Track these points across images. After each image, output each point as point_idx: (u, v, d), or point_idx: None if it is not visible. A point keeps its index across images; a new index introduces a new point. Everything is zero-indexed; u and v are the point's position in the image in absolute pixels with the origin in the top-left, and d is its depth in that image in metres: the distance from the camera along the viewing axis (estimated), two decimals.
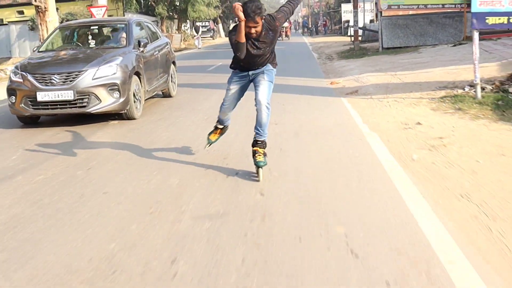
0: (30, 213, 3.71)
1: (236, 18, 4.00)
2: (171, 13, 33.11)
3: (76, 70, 6.90)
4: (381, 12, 16.95)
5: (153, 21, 33.89)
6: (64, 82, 6.86)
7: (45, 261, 2.86)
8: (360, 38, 23.56)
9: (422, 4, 15.95)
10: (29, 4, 34.48)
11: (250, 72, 4.27)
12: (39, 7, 15.24)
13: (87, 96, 6.85)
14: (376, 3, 18.42)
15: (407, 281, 2.46)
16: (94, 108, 6.89)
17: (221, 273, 2.57)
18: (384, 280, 2.49)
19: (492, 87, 7.87)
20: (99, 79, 6.91)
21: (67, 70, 6.93)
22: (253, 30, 3.97)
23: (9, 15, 32.92)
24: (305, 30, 54.19)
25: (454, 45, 14.08)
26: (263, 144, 4.28)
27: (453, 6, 15.62)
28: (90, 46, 8.10)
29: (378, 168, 4.36)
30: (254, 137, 4.27)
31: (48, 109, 6.94)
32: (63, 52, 7.83)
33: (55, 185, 4.38)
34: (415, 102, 7.54)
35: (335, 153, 4.89)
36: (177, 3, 32.52)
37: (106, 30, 8.80)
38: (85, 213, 3.64)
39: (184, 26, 38.57)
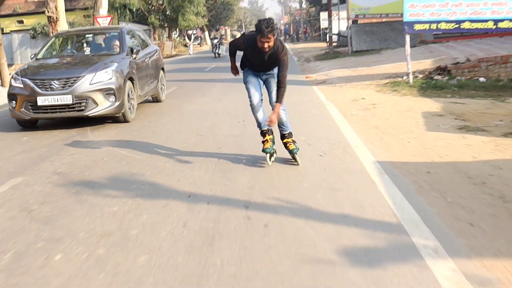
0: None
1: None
2: (162, 22, 35.80)
3: (75, 76, 7.29)
4: (353, 21, 20.05)
5: (145, 30, 36.59)
6: (63, 87, 7.21)
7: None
8: (335, 43, 26.73)
9: (384, 13, 19.06)
10: (29, 13, 36.63)
11: (262, 75, 4.71)
12: (51, 18, 17.02)
13: (85, 100, 7.24)
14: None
15: (333, 152, 5.30)
16: (92, 111, 7.27)
17: None
18: (321, 151, 5.33)
19: (422, 76, 10.85)
20: (96, 84, 7.31)
21: (66, 75, 7.31)
22: (266, 45, 4.34)
23: (9, 24, 35.20)
24: (287, 37, 57.32)
25: (412, 47, 17.08)
26: (290, 135, 4.83)
27: None
28: (86, 53, 8.57)
29: (329, 118, 7.22)
30: (281, 132, 4.81)
31: (47, 112, 7.28)
32: (60, 59, 8.29)
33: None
34: (365, 87, 10.46)
35: (304, 113, 7.74)
36: (168, 13, 35.20)
37: (100, 38, 9.20)
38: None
39: (174, 34, 41.34)
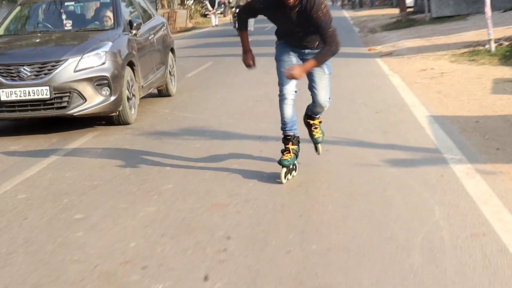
0: None
1: None
2: None
3: (53, 60, 7.47)
4: None
5: None
6: (36, 75, 7.40)
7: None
8: (410, 9, 29.33)
9: None
10: None
11: (304, 52, 4.98)
12: None
13: (68, 94, 7.42)
14: None
15: (390, 110, 8.00)
16: (77, 109, 7.46)
17: None
18: (378, 109, 8.05)
19: (509, 43, 13.37)
20: (83, 71, 7.51)
21: (41, 59, 7.49)
22: None
23: None
24: (345, 1, 59.99)
25: (505, 11, 19.64)
26: (318, 118, 5.50)
27: None
28: (66, 27, 8.85)
29: (390, 86, 9.91)
30: (307, 114, 5.43)
31: (15, 111, 7.49)
32: (31, 36, 8.57)
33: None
34: (438, 57, 13.09)
35: (363, 82, 10.44)
36: None
37: (85, 7, 9.59)
38: None
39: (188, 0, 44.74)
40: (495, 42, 13.35)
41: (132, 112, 8.20)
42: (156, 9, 37.97)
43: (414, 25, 22.12)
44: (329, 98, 5.19)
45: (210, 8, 37.62)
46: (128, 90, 8.08)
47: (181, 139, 7.10)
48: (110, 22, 8.84)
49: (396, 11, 34.61)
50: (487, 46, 13.31)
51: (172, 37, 10.91)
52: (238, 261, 3.59)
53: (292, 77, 4.74)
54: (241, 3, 22.17)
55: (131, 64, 8.26)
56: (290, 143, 5.14)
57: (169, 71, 10.24)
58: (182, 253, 3.77)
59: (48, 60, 7.51)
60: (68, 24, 8.95)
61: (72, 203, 4.97)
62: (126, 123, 8.03)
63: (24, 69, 7.43)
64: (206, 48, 19.51)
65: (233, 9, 23.90)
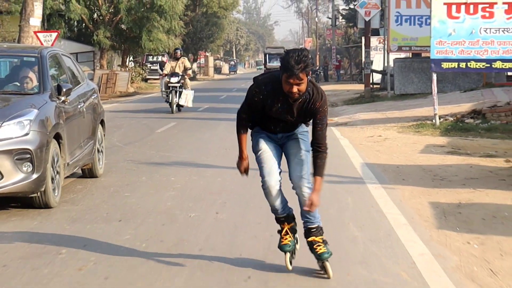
0: None
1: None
2: (115, 42, 44.27)
3: None
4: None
5: (87, 52, 45.15)
6: None
7: None
8: (378, 86, 34.97)
9: None
10: None
11: (281, 137, 5.99)
12: None
13: None
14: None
15: (333, 159, 12.85)
16: None
17: None
18: None
19: (453, 119, 18.60)
20: (1, 142, 8.07)
21: None
22: (295, 89, 5.52)
23: None
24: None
25: (465, 91, 25.18)
26: (319, 231, 5.97)
27: None
28: None
29: (338, 146, 14.83)
30: (304, 226, 5.97)
31: None
32: None
33: None
34: (388, 128, 18.17)
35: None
36: (125, 28, 43.65)
37: (4, 66, 10.35)
38: None
39: (129, 60, 49.96)
40: (441, 118, 18.53)
41: (56, 193, 8.80)
42: (94, 69, 43.13)
43: (376, 100, 27.48)
44: (309, 178, 5.85)
45: (160, 72, 42.66)
46: (53, 168, 8.66)
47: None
48: (31, 85, 9.55)
49: (362, 86, 40.36)
50: (433, 121, 18.45)
51: (103, 108, 11.88)
52: None
53: (314, 208, 5.71)
54: (177, 72, 24.39)
55: (57, 137, 8.87)
56: (285, 223, 6.03)
57: (98, 148, 11.09)
58: None
59: None
60: None
61: None
62: (47, 206, 8.58)
63: None
64: (164, 113, 24.31)
65: (166, 78, 24.83)
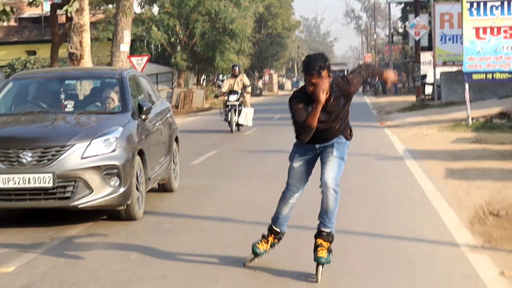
0: None
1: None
2: (190, 63, 49.55)
3: (58, 145, 8.65)
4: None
5: (167, 72, 50.48)
6: (38, 161, 8.55)
7: None
8: (429, 96, 39.43)
9: None
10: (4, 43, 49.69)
11: (317, 146, 6.58)
12: (74, 54, 25.02)
13: (73, 183, 8.53)
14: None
15: (384, 147, 17.51)
16: (82, 200, 8.58)
17: None
18: (379, 146, 17.61)
19: (484, 119, 23.08)
20: (91, 158, 8.65)
21: (44, 144, 8.68)
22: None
23: None
24: (368, 87, 70.65)
25: (501, 98, 29.53)
26: (329, 237, 6.49)
27: None
28: (67, 109, 10.07)
29: (388, 140, 19.53)
30: (318, 227, 6.52)
31: (11, 200, 8.66)
32: (30, 118, 9.77)
33: None
34: (430, 128, 22.79)
35: (370, 143, 19.98)
36: (200, 51, 48.87)
37: (85, 86, 10.83)
38: None
39: (203, 79, 55.16)
40: (473, 119, 23.02)
41: (140, 206, 9.36)
42: (173, 88, 48.38)
43: (425, 108, 32.00)
44: (337, 182, 6.41)
45: (223, 90, 47.61)
46: (137, 182, 9.21)
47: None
48: (113, 105, 10.12)
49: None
50: (467, 121, 22.93)
51: (176, 125, 12.46)
52: None
53: (326, 89, 6.18)
54: (235, 90, 23.56)
55: (140, 153, 9.44)
56: (273, 235, 6.86)
57: (173, 164, 11.61)
58: None
59: (52, 144, 8.67)
60: (69, 105, 10.24)
61: None
62: (133, 218, 9.16)
63: (25, 154, 8.55)
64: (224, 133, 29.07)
65: (225, 96, 24.02)
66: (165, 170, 10.97)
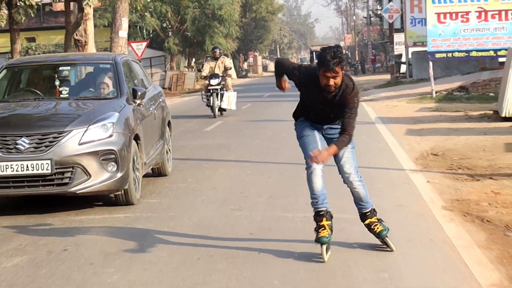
0: None
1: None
2: (182, 47, 53.24)
3: (55, 131, 8.77)
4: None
5: (160, 56, 54.09)
6: (36, 148, 8.66)
7: None
8: (403, 74, 43.34)
9: None
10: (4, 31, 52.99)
11: (326, 128, 6.76)
12: (80, 41, 28.05)
13: (71, 169, 8.67)
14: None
15: (359, 115, 21.48)
16: (81, 186, 8.72)
17: None
18: None
19: (446, 92, 27.01)
20: (88, 144, 8.79)
21: (41, 130, 8.81)
22: (331, 82, 6.23)
23: None
24: (348, 67, 74.49)
25: (463, 74, 33.46)
26: (373, 213, 6.79)
27: None
28: (62, 95, 10.29)
29: (364, 110, 23.42)
30: (359, 212, 6.84)
31: (9, 187, 8.75)
32: (26, 104, 10.02)
33: None
34: (400, 100, 26.75)
35: None
36: (191, 35, 52.57)
37: (79, 72, 11.10)
38: None
39: (194, 62, 58.78)
40: (437, 92, 26.91)
41: (137, 191, 9.48)
42: (165, 71, 52.05)
43: (398, 84, 35.89)
44: (357, 172, 6.70)
45: (203, 73, 51.20)
46: (134, 167, 9.31)
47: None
48: (107, 90, 10.27)
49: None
50: (431, 94, 26.81)
51: (169, 109, 12.67)
52: None
53: (317, 162, 6.32)
54: (217, 74, 22.92)
55: (136, 138, 9.53)
56: (324, 218, 6.60)
57: (166, 148, 11.80)
58: None
59: (49, 131, 8.74)
60: (64, 91, 10.32)
61: None
62: (130, 203, 9.26)
63: (22, 140, 8.59)
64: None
65: (206, 80, 23.61)
66: (159, 155, 11.18)
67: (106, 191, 9.07)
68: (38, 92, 10.50)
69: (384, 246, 6.74)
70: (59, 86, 10.43)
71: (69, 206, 9.34)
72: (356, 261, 6.56)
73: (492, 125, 16.99)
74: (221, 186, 10.81)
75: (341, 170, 6.67)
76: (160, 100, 11.99)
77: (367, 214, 6.73)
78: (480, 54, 26.31)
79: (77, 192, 8.75)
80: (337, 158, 6.62)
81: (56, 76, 10.64)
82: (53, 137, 8.69)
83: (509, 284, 5.77)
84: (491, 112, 18.96)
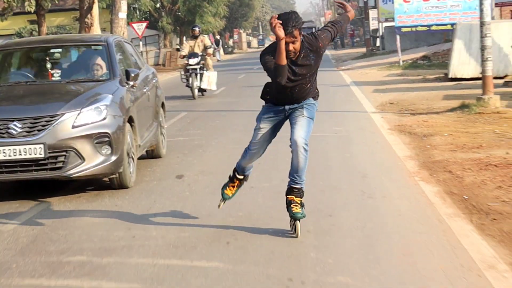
0: None
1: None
2: (174, 26, 57.73)
3: (47, 115, 8.65)
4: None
5: (154, 35, 58.50)
6: (29, 132, 8.57)
7: None
8: (378, 47, 48.14)
9: None
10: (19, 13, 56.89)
11: (287, 107, 6.83)
12: (86, 23, 31.09)
13: (64, 153, 8.58)
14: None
15: (337, 80, 26.16)
16: (75, 170, 8.64)
17: None
18: (332, 83, 26.29)
19: (411, 61, 31.85)
20: (82, 127, 8.68)
21: (34, 114, 8.69)
22: (290, 47, 6.41)
23: None
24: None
25: (429, 46, 38.31)
26: (300, 193, 6.74)
27: None
28: (54, 78, 10.19)
29: (341, 77, 28.21)
30: (289, 184, 6.79)
31: (2, 173, 8.67)
32: (17, 88, 9.97)
33: None
34: (372, 69, 31.61)
35: (330, 76, 28.63)
36: (182, 15, 57.02)
37: (72, 54, 11.11)
38: None
39: (185, 40, 63.20)
40: (404, 61, 31.69)
41: (132, 174, 9.43)
42: (159, 49, 56.53)
43: (373, 56, 40.70)
44: (306, 143, 6.60)
45: (216, 47, 55.75)
46: (128, 150, 9.30)
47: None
48: (101, 72, 10.16)
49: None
50: (398, 63, 31.57)
51: (162, 91, 12.49)
52: None
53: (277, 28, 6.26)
54: (196, 52, 21.90)
55: (130, 120, 9.51)
56: (239, 181, 7.18)
57: (161, 130, 11.65)
58: None
59: (42, 114, 8.68)
60: (56, 74, 10.22)
61: None
62: (124, 186, 9.25)
63: (14, 125, 8.59)
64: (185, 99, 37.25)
65: (185, 59, 22.36)
66: (153, 137, 11.07)
67: (100, 174, 8.99)
68: (29, 75, 10.51)
69: (292, 232, 6.80)
70: (51, 69, 10.34)
71: (64, 191, 9.26)
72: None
73: (441, 84, 21.78)
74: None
75: (291, 134, 6.68)
76: (154, 81, 11.92)
77: (295, 190, 6.75)
78: (439, 28, 31.11)
79: (71, 176, 8.69)
80: (292, 121, 6.76)
81: (47, 58, 10.59)
82: (46, 121, 8.62)
83: (413, 152, 10.66)
84: (443, 75, 23.71)
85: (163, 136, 11.82)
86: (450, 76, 21.99)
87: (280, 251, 6.40)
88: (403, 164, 9.98)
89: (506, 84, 19.39)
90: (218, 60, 54.83)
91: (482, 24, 14.99)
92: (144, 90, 10.82)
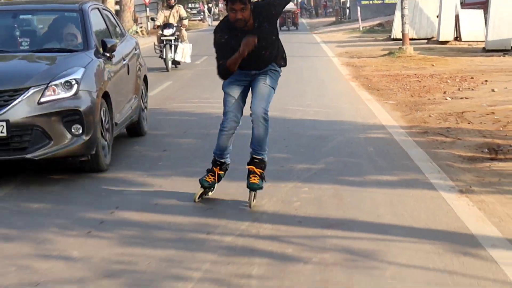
0: None
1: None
2: None
3: (10, 89, 7.78)
4: None
5: (141, 4, 66.22)
6: None
7: None
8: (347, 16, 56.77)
9: None
10: None
11: (253, 72, 6.76)
12: None
13: (29, 132, 7.73)
14: None
15: (310, 40, 34.68)
16: (41, 151, 7.76)
17: None
18: (306, 42, 34.86)
19: (369, 27, 40.54)
20: (49, 103, 7.82)
21: None
22: (239, 15, 6.25)
23: None
24: (304, 11, 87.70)
25: (386, 16, 46.97)
26: (261, 164, 6.69)
27: None
28: (22, 47, 9.26)
29: (314, 39, 36.80)
30: (250, 155, 6.73)
31: None
32: None
33: None
34: (338, 33, 40.31)
35: (305, 38, 37.13)
36: None
37: (43, 21, 10.03)
38: None
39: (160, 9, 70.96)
40: (364, 27, 40.24)
41: (106, 155, 8.55)
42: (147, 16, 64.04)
43: (340, 23, 49.38)
44: (266, 112, 6.59)
45: (208, 13, 63.62)
46: (103, 129, 8.41)
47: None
48: (75, 42, 9.26)
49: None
50: (359, 29, 40.07)
51: (145, 63, 11.64)
52: None
53: (251, 46, 6.29)
54: (171, 23, 20.71)
55: (105, 96, 8.61)
56: (218, 167, 6.87)
57: (142, 106, 10.79)
58: None
59: (4, 88, 7.81)
60: (24, 43, 9.34)
61: None
62: (98, 169, 8.38)
63: None
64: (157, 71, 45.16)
65: (159, 30, 21.22)
66: (133, 113, 10.24)
67: (70, 156, 8.20)
68: None
69: (246, 203, 6.76)
70: (20, 37, 9.50)
71: (26, 174, 8.48)
72: None
73: (385, 43, 30.22)
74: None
75: (252, 104, 6.68)
76: (135, 52, 11.01)
77: (256, 161, 6.70)
78: (392, 1, 39.73)
79: (37, 157, 7.83)
80: (254, 89, 6.73)
81: (16, 26, 9.73)
82: (8, 96, 7.79)
83: (351, 73, 19.22)
84: (388, 36, 32.17)
85: (144, 112, 11.05)
86: (392, 37, 30.42)
87: None
88: (344, 77, 18.53)
89: (427, 42, 28.09)
90: (209, 25, 62.77)
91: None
92: (124, 63, 9.95)
